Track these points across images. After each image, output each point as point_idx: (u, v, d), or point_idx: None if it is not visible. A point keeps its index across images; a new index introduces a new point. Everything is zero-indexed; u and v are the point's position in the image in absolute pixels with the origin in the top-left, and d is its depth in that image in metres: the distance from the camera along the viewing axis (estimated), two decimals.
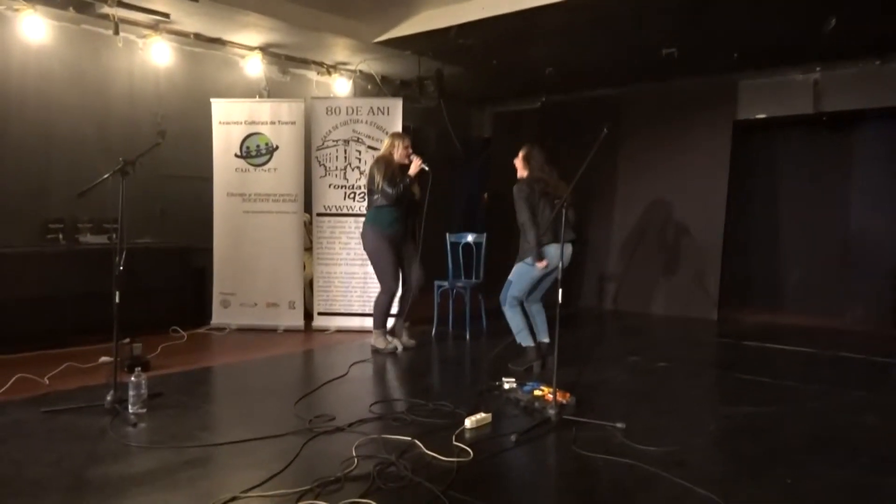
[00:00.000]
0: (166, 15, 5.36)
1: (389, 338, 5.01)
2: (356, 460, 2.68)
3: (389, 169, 4.78)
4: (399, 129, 5.82)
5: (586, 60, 6.77)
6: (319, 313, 5.94)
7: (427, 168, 4.81)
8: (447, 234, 6.01)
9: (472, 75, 7.34)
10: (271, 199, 5.88)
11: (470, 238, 5.95)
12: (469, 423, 3.15)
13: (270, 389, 3.97)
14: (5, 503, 2.33)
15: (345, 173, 5.91)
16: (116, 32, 5.19)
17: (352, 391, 3.96)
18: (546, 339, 4.48)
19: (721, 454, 3.01)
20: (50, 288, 4.80)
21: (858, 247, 6.87)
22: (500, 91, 8.38)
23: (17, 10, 4.93)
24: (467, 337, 5.53)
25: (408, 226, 5.00)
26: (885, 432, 3.29)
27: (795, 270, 7.35)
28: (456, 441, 2.94)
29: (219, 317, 5.84)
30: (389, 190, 4.71)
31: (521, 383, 3.77)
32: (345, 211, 5.91)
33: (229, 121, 5.89)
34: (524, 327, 4.43)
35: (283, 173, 5.88)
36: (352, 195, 5.90)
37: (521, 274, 4.31)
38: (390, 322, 5.10)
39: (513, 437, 2.97)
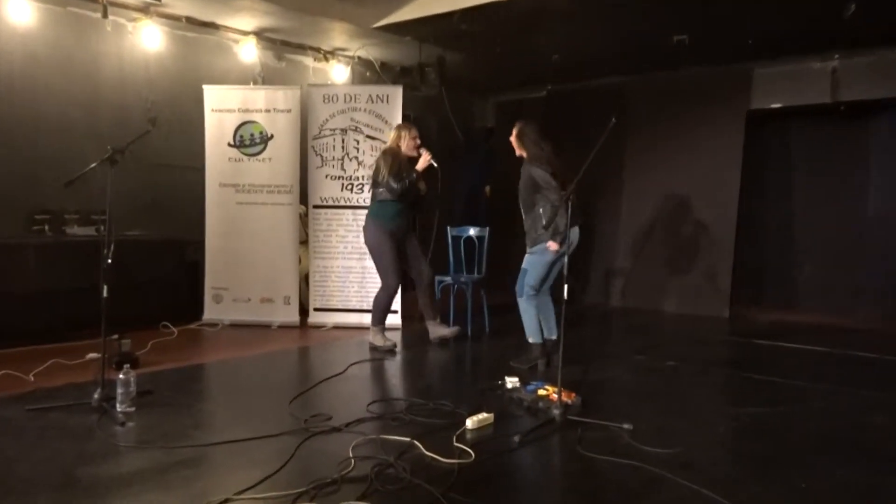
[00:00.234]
0: None
1: (388, 335, 5.02)
2: (353, 461, 2.68)
3: (396, 162, 4.78)
4: (399, 117, 5.82)
5: (593, 47, 6.74)
6: (315, 309, 5.95)
7: (436, 164, 4.82)
8: (448, 228, 6.00)
9: (474, 62, 7.32)
10: (266, 190, 5.87)
11: (472, 232, 5.95)
12: (470, 423, 3.15)
13: (265, 388, 3.97)
14: None
15: (342, 163, 5.91)
16: (105, 15, 5.18)
17: (349, 390, 3.96)
18: (554, 336, 4.48)
19: (729, 455, 3.02)
20: (35, 282, 4.80)
21: (876, 242, 6.86)
22: (504, 79, 8.35)
23: None
24: (469, 334, 5.53)
25: (411, 220, 5.01)
26: None
27: (810, 266, 7.34)
28: (457, 442, 2.94)
29: (211, 312, 5.84)
30: (395, 185, 4.72)
31: (524, 382, 3.77)
32: (342, 203, 5.91)
33: (222, 108, 5.88)
34: (535, 322, 4.43)
35: (278, 163, 5.87)
36: (349, 186, 5.89)
37: (535, 261, 4.30)
38: (390, 319, 5.10)
39: (516, 438, 2.97)
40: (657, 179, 7.45)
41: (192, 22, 5.94)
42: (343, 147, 5.91)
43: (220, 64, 6.40)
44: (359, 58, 7.17)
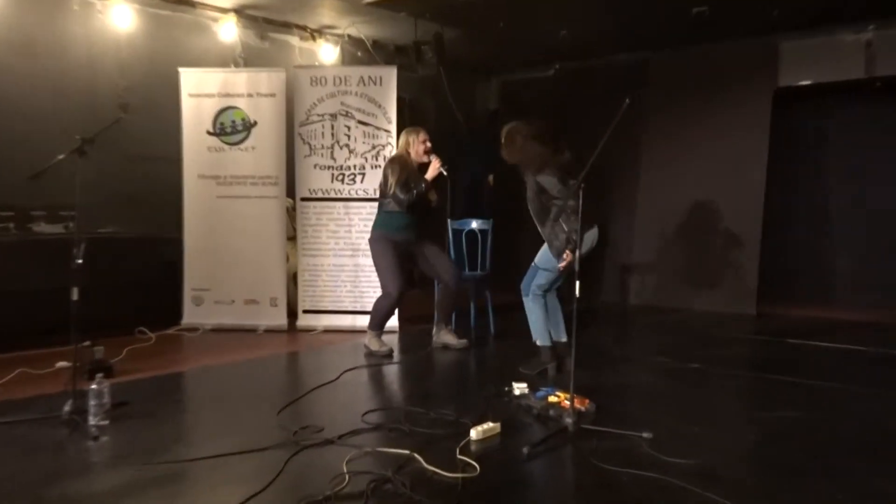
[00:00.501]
0: None
1: (385, 339, 5.03)
2: (347, 476, 2.68)
3: (405, 172, 4.82)
4: (393, 100, 5.82)
5: (605, 22, 6.72)
6: (305, 311, 5.95)
7: (445, 172, 4.84)
8: (449, 221, 5.99)
9: (475, 39, 7.30)
10: (249, 181, 5.87)
11: (475, 225, 5.94)
12: (475, 433, 3.15)
13: (250, 397, 3.97)
14: None
15: (332, 152, 5.90)
16: None
17: (342, 399, 3.96)
18: (563, 338, 4.48)
19: (758, 465, 3.01)
20: None
21: None
22: (508, 57, 8.34)
23: None
24: (472, 336, 5.53)
25: (421, 230, 5.01)
26: None
27: (844, 259, 7.33)
28: (460, 454, 2.94)
29: (191, 316, 5.84)
30: (402, 196, 4.77)
31: (533, 388, 3.77)
32: (332, 195, 5.90)
33: (200, 93, 5.87)
34: (544, 324, 4.43)
35: (262, 153, 5.86)
36: (340, 177, 5.89)
37: (550, 259, 4.29)
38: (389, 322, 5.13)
39: (525, 450, 2.96)
40: (676, 166, 7.43)
41: None
42: (333, 134, 5.90)
43: (197, 44, 6.38)
44: (349, 36, 7.15)
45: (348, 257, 5.85)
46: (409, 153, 4.95)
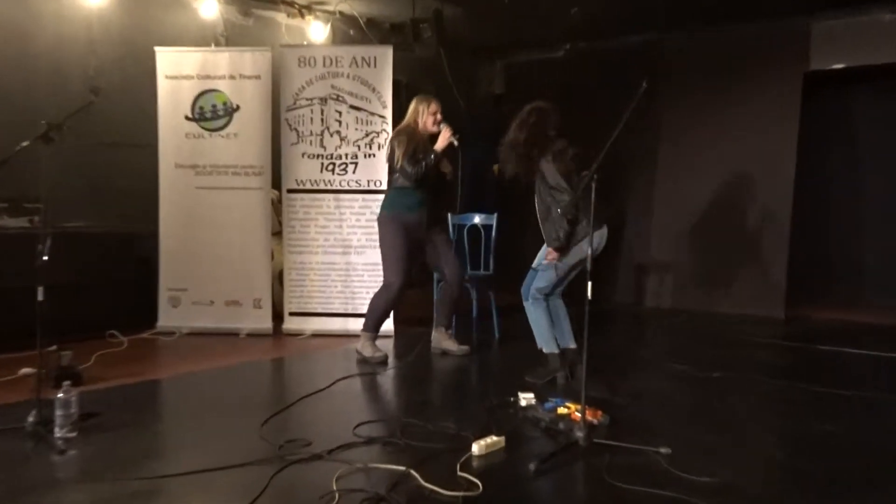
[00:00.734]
0: None
1: (379, 343, 5.02)
2: (337, 495, 2.67)
3: (412, 143, 4.82)
4: (389, 83, 5.82)
5: None
6: (291, 313, 5.95)
7: (456, 143, 4.83)
8: (449, 215, 5.99)
9: (478, 17, 7.29)
10: (231, 171, 5.86)
11: (477, 220, 5.93)
12: (477, 448, 3.14)
13: (231, 408, 3.96)
14: None
15: (322, 139, 5.89)
16: None
17: (332, 409, 3.95)
18: (572, 345, 4.48)
19: (787, 484, 3.00)
20: None
21: None
22: (514, 37, 8.33)
23: None
24: (474, 342, 5.52)
25: (436, 211, 5.00)
26: None
27: (879, 257, 7.32)
28: (461, 471, 2.93)
29: (167, 318, 5.84)
30: (409, 169, 4.77)
31: (541, 399, 3.76)
32: (322, 186, 5.89)
33: (178, 75, 5.86)
34: (548, 329, 4.42)
35: (245, 140, 5.85)
36: (330, 167, 5.87)
37: (554, 267, 4.28)
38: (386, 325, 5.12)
39: (531, 466, 2.96)
40: (697, 157, 7.43)
41: None
42: (323, 120, 5.89)
43: (174, 22, 6.37)
44: (340, 13, 7.14)
45: (339, 255, 5.84)
46: (416, 123, 4.94)
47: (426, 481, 2.80)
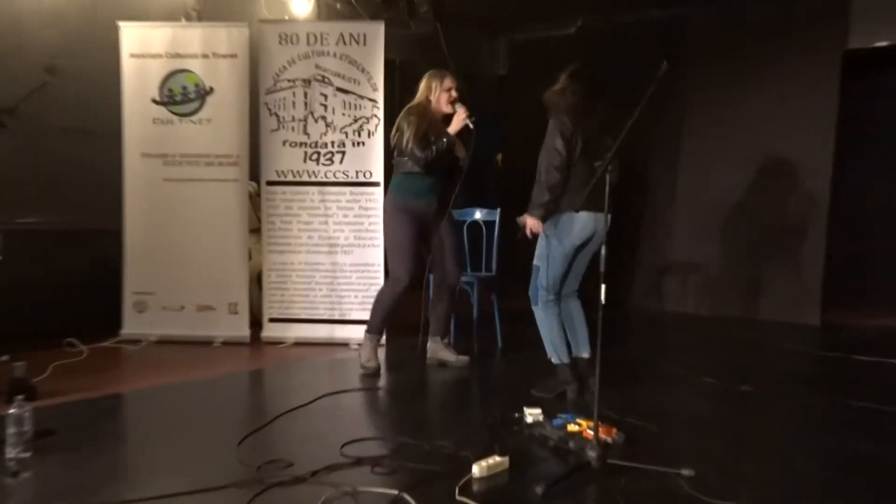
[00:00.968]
0: None
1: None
2: None
3: (423, 123, 4.82)
4: (380, 63, 5.83)
5: None
6: (271, 320, 5.95)
7: (472, 125, 4.82)
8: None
9: None
10: (204, 161, 5.87)
11: (478, 215, 5.93)
12: (478, 469, 3.13)
13: (204, 425, 3.96)
14: None
15: (305, 126, 5.89)
16: None
17: (316, 427, 3.95)
18: (586, 354, 4.48)
19: None
20: None
21: None
22: (520, 12, 8.32)
23: None
24: (475, 351, 5.51)
25: (446, 199, 5.00)
26: None
27: None
28: (460, 495, 2.92)
29: (132, 325, 5.84)
30: (419, 153, 4.75)
31: (549, 415, 3.75)
32: (305, 178, 5.89)
33: (145, 53, 5.86)
34: (557, 337, 4.41)
35: (219, 126, 5.86)
36: (314, 156, 5.87)
37: (547, 254, 4.28)
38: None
39: (538, 489, 2.95)
40: (723, 147, 7.44)
41: None
42: (306, 104, 5.89)
43: None
44: None
45: (324, 254, 5.83)
46: (428, 101, 4.94)
47: None
